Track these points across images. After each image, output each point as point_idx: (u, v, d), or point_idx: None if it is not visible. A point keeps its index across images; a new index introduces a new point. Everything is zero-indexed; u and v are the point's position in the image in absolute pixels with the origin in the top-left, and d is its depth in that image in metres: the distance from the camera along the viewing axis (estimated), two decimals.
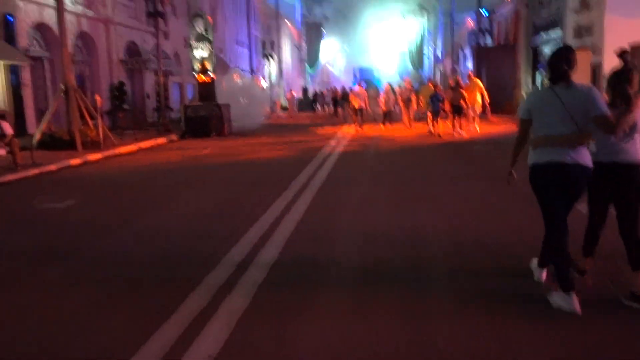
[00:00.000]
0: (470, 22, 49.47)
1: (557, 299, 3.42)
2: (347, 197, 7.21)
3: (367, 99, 20.66)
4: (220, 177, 9.51)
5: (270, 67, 43.64)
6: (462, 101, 15.15)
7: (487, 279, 4.02)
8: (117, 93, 23.62)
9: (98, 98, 13.76)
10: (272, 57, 40.95)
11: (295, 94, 39.51)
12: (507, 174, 3.76)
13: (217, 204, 7.14)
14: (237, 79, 42.29)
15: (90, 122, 14.43)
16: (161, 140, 16.51)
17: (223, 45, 40.13)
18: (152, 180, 9.51)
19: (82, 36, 22.51)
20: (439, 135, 15.33)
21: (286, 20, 53.24)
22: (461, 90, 15.60)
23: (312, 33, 44.66)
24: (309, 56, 44.85)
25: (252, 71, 39.52)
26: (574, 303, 3.33)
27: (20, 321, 3.57)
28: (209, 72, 18.30)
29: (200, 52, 18.17)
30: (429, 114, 16.49)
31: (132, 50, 26.35)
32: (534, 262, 3.96)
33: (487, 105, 16.94)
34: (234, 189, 8.26)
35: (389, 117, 21.41)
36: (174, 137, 17.52)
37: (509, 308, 3.47)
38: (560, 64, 3.37)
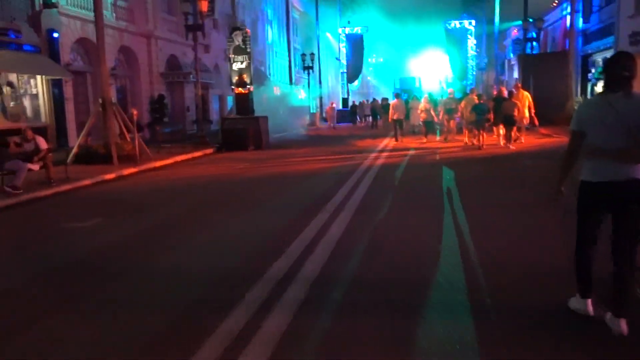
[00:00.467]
0: (515, 31, 48.22)
1: (573, 303, 3.50)
2: (384, 223, 6.60)
3: (403, 110, 20.02)
4: (253, 196, 9.05)
5: (310, 79, 43.49)
6: (515, 111, 14.44)
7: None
8: (157, 106, 23.78)
9: (134, 112, 13.60)
10: (311, 68, 40.75)
11: (334, 106, 39.13)
12: (555, 192, 3.50)
13: (247, 228, 6.67)
14: (277, 91, 42.50)
15: (127, 135, 14.35)
16: (197, 154, 16.30)
17: (263, 57, 40.25)
18: (183, 198, 9.13)
19: (124, 50, 22.78)
20: (480, 147, 14.65)
21: (327, 33, 53.21)
22: (514, 100, 14.95)
23: (352, 44, 44.23)
24: (349, 69, 44.40)
25: (291, 83, 39.37)
26: (589, 305, 3.39)
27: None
28: (247, 85, 18.04)
29: (239, 64, 17.96)
30: (465, 126, 16.01)
31: (173, 63, 26.56)
32: (572, 301, 3.59)
33: (534, 117, 16.21)
34: (269, 211, 7.78)
35: (431, 128, 20.62)
36: (210, 150, 17.30)
37: None
38: (619, 71, 3.11)
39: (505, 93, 16.37)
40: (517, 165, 11.34)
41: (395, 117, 19.11)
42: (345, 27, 43.78)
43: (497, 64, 44.60)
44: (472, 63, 45.95)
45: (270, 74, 41.62)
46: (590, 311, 3.38)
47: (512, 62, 30.50)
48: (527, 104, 15.85)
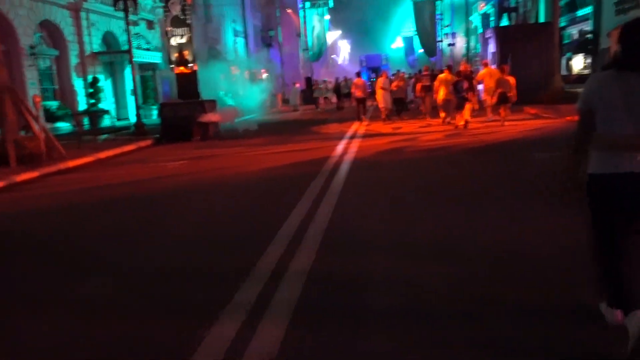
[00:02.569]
0: (482, 4, 46.07)
1: (603, 308, 2.82)
2: (363, 265, 4.10)
3: (366, 90, 19.32)
4: (179, 218, 6.38)
5: (270, 58, 40.48)
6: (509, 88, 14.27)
7: None
8: (92, 91, 20.62)
9: (37, 99, 10.65)
10: (271, 46, 37.80)
11: (298, 87, 36.34)
12: (564, 181, 2.86)
13: (167, 271, 4.08)
14: (235, 72, 39.35)
15: (35, 129, 11.37)
16: (129, 147, 13.46)
17: (219, 35, 37.01)
18: (78, 226, 6.38)
19: (46, 26, 19.48)
20: (465, 126, 13.78)
21: (289, 10, 49.98)
22: (507, 77, 14.57)
23: (314, 20, 41.30)
24: (312, 46, 41.52)
25: (249, 63, 36.32)
26: (617, 316, 2.68)
27: None
28: (189, 63, 15.16)
29: (178, 39, 15.04)
30: (440, 106, 15.74)
31: (111, 42, 23.31)
32: (603, 305, 2.83)
33: (514, 94, 14.79)
34: (195, 245, 5.16)
35: (404, 107, 18.71)
36: (147, 143, 14.44)
37: None
38: None
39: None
40: (529, 161, 8.73)
41: (357, 95, 18.68)
42: (306, 1, 40.71)
43: (468, 39, 42.41)
44: (441, 39, 43.73)
45: (227, 54, 38.44)
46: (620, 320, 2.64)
47: (488, 36, 28.12)
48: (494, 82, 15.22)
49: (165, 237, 5.36)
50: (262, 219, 5.74)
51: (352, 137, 13.77)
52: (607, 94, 2.61)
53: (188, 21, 14.84)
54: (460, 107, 14.45)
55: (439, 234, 4.81)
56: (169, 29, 14.96)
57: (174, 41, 15.03)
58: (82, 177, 9.73)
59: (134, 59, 23.27)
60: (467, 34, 43.25)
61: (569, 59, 34.09)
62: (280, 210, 5.87)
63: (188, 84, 15.21)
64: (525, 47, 23.51)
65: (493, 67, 17.96)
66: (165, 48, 25.72)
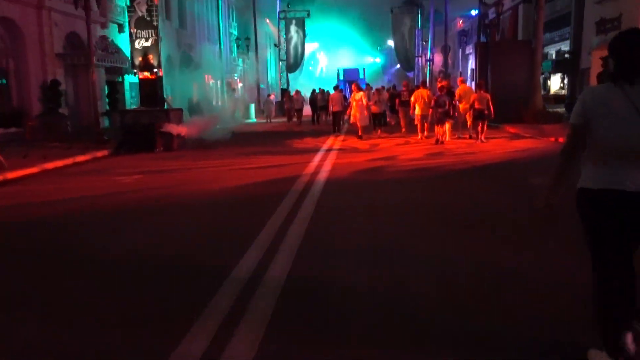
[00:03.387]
0: (460, 23, 46.11)
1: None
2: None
3: (342, 103, 19.05)
4: (124, 244, 5.35)
5: (246, 68, 39.56)
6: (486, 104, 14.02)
7: None
8: (50, 94, 19.29)
9: None
10: (247, 56, 36.86)
11: (273, 98, 35.42)
12: (543, 199, 2.70)
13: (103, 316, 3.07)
14: (209, 81, 38.26)
15: None
16: (83, 157, 12.29)
17: (193, 41, 35.94)
18: None
19: (3, 23, 18.16)
20: (439, 142, 13.88)
21: (267, 19, 49.17)
22: (485, 93, 14.49)
23: (292, 30, 40.55)
24: (289, 58, 40.73)
25: (222, 72, 35.36)
26: None
27: None
28: (153, 68, 14.11)
29: (142, 42, 13.99)
30: (418, 121, 15.64)
31: (74, 42, 22.01)
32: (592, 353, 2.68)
33: (492, 111, 14.48)
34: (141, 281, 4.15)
35: (380, 121, 18.11)
36: (103, 153, 13.28)
37: None
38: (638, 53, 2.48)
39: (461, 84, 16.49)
40: (523, 186, 7.90)
41: (334, 109, 18.70)
42: (284, 11, 39.93)
43: (446, 56, 42.19)
44: (418, 54, 43.47)
45: (201, 61, 37.33)
46: None
47: (468, 52, 27.82)
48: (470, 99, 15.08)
49: (91, 264, 4.33)
50: (212, 257, 4.75)
51: (327, 151, 12.89)
52: (604, 106, 2.54)
53: (154, 23, 13.79)
54: (441, 122, 14.21)
55: (431, 281, 3.90)
56: (134, 30, 13.91)
57: (138, 44, 13.99)
58: (17, 190, 8.57)
59: (99, 62, 22.30)
60: (445, 50, 43.09)
61: (546, 78, 34.03)
62: (235, 244, 4.91)
63: (152, 90, 14.16)
64: (505, 63, 23.11)
65: (467, 84, 17.75)
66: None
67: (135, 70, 14.25)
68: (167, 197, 7.49)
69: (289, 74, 40.00)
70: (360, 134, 16.12)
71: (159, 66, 14.06)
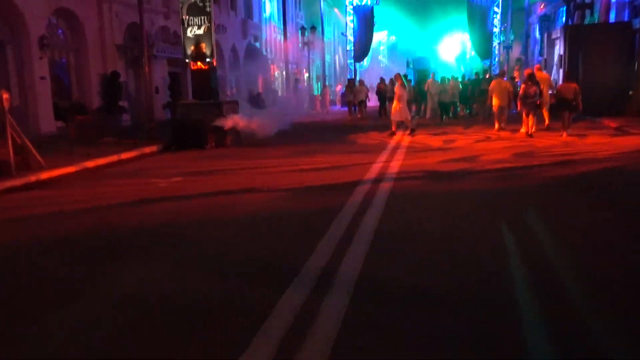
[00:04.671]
0: (542, 7, 42.47)
1: None
2: None
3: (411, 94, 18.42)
4: (139, 271, 4.16)
5: (313, 58, 38.30)
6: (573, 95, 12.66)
7: None
8: (109, 87, 18.88)
9: (4, 94, 8.68)
10: (314, 46, 35.57)
11: (339, 89, 34.03)
12: None
13: None
14: (275, 72, 37.40)
15: (14, 135, 9.36)
16: (128, 155, 11.43)
17: (259, 32, 35.15)
18: None
19: (63, 14, 17.81)
20: (531, 135, 12.81)
21: (335, 9, 47.68)
22: (572, 83, 13.23)
23: (360, 18, 38.80)
24: (357, 46, 39.06)
25: (288, 62, 34.35)
26: None
27: None
28: (206, 58, 13.05)
29: (195, 29, 12.94)
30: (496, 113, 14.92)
31: (135, 34, 21.57)
32: None
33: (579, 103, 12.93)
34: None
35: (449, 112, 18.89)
36: (152, 149, 12.40)
37: None
38: None
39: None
40: None
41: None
42: (353, 1, 38.24)
43: (526, 43, 39.03)
44: (496, 41, 40.44)
45: (268, 53, 36.53)
46: None
47: (554, 37, 25.05)
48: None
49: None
50: (241, 298, 3.43)
51: (395, 149, 11.33)
52: None
53: (207, 9, 12.69)
54: (531, 114, 12.96)
55: None
56: (185, 17, 12.87)
57: (190, 32, 12.93)
58: (47, 195, 7.66)
59: (159, 54, 21.80)
60: (526, 36, 39.88)
61: None
62: (272, 285, 3.57)
63: (205, 82, 13.11)
64: (600, 50, 20.44)
65: (544, 72, 16.01)
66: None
67: (187, 60, 13.20)
68: (195, 212, 6.22)
69: (356, 64, 38.36)
70: (393, 129, 14.60)
71: (212, 55, 12.92)
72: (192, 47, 13.00)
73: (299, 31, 34.66)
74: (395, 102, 14.51)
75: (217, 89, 13.54)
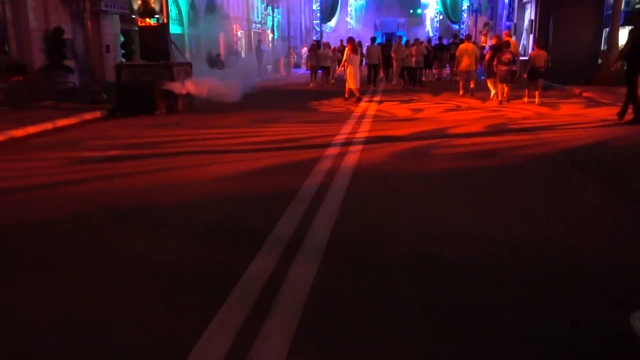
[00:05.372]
0: None
1: None
2: None
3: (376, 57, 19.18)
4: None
5: (277, 17, 36.68)
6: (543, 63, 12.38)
7: None
8: (52, 45, 17.29)
9: None
10: (278, 4, 34.01)
11: (304, 51, 32.69)
12: None
13: None
14: (237, 32, 35.63)
15: None
16: (66, 122, 10.27)
17: None
18: None
19: None
20: (501, 102, 12.56)
21: None
22: (542, 50, 12.84)
23: None
24: (323, 5, 37.57)
25: (250, 22, 32.74)
26: None
27: None
28: (155, 14, 11.79)
29: None
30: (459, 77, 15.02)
31: None
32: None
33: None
34: None
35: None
36: (94, 115, 11.24)
37: None
38: None
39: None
40: None
41: (370, 63, 19.10)
42: None
43: (494, 7, 38.29)
44: (466, 4, 39.63)
45: (228, 11, 34.65)
46: None
47: (524, 1, 24.42)
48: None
49: None
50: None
51: (360, 119, 10.51)
52: None
53: None
54: (506, 81, 12.51)
55: None
56: None
57: None
58: None
59: (109, 9, 20.09)
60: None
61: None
62: (209, 295, 2.75)
63: (155, 41, 11.88)
64: (573, 14, 19.89)
65: (512, 39, 15.52)
66: None
67: (133, 16, 11.92)
68: (127, 198, 5.27)
69: (322, 25, 36.98)
70: (346, 96, 14.23)
71: (161, 11, 11.66)
72: (139, 2, 11.70)
73: None
74: (347, 68, 13.78)
75: (169, 50, 12.30)
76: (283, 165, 6.49)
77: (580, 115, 10.58)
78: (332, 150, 7.22)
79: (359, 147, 7.50)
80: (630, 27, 10.80)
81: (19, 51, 17.21)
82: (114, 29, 21.50)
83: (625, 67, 9.25)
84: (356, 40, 15.74)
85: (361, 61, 21.99)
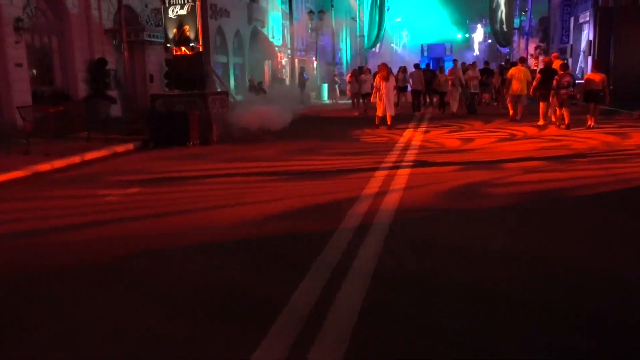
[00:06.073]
0: None
1: None
2: None
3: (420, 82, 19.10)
4: None
5: (321, 44, 36.47)
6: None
7: None
8: (95, 74, 17.38)
9: None
10: (322, 32, 33.80)
11: (349, 79, 32.17)
12: None
13: None
14: (282, 60, 35.59)
15: None
16: (94, 155, 9.90)
17: (264, 17, 33.37)
18: None
19: None
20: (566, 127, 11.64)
21: None
22: (599, 73, 11.86)
23: (372, 4, 36.90)
24: (369, 31, 37.16)
25: (294, 49, 32.61)
26: None
27: None
28: (190, 42, 11.43)
29: (177, 9, 11.31)
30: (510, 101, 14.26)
31: (127, 17, 19.99)
32: None
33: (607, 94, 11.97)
34: None
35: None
36: (127, 147, 10.85)
37: None
38: None
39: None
40: None
41: (413, 88, 19.26)
42: None
43: (546, 29, 36.84)
44: (516, 27, 38.31)
45: (273, 37, 34.72)
46: None
47: (582, 20, 23.09)
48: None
49: None
50: None
51: (404, 149, 9.66)
52: None
53: None
54: (565, 106, 11.81)
55: None
56: None
57: (172, 12, 11.30)
58: None
59: (153, 39, 20.18)
60: (546, 21, 37.65)
61: None
62: None
63: (188, 69, 11.49)
64: (634, 34, 18.52)
65: (560, 60, 14.51)
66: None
67: (168, 45, 11.59)
68: (138, 243, 4.63)
69: (367, 51, 36.52)
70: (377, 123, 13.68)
71: (197, 39, 11.29)
72: (174, 30, 11.38)
73: (309, 16, 32.90)
74: (378, 96, 13.37)
75: (204, 78, 11.90)
76: (314, 207, 5.70)
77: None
78: (373, 185, 6.40)
79: (402, 183, 6.65)
80: None
81: (64, 81, 17.41)
82: (159, 59, 21.61)
83: None
84: (400, 65, 15.12)
85: (405, 87, 21.27)
